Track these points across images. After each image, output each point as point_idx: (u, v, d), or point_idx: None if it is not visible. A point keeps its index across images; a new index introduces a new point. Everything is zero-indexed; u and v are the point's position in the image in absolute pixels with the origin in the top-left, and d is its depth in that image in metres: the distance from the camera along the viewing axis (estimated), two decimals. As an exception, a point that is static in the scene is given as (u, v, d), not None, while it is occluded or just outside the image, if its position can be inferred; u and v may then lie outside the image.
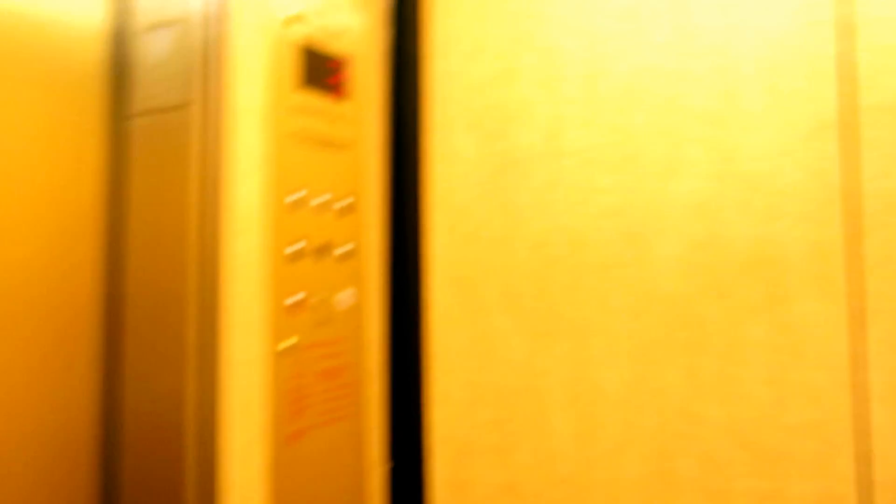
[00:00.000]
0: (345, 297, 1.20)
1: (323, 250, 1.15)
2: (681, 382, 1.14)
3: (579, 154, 1.23)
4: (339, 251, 1.19)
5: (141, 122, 1.03)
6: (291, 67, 1.11)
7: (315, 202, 1.14)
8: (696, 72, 1.16)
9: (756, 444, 1.08)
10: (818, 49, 1.08)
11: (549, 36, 1.28)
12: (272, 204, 1.06)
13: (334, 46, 1.21)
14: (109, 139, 1.05)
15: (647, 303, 1.16)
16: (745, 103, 1.12)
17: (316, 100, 1.15)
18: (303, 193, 1.11)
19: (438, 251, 1.34)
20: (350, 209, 1.22)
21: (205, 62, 0.99)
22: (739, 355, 1.10)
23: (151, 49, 1.03)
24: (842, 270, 1.04)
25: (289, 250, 1.09)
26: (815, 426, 1.05)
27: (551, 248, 1.25)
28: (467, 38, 1.35)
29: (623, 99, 1.21)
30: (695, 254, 1.13)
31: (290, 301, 1.08)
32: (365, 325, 1.26)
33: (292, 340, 1.08)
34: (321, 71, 1.17)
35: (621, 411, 1.18)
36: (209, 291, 0.98)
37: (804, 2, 1.09)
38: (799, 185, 1.07)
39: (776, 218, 1.08)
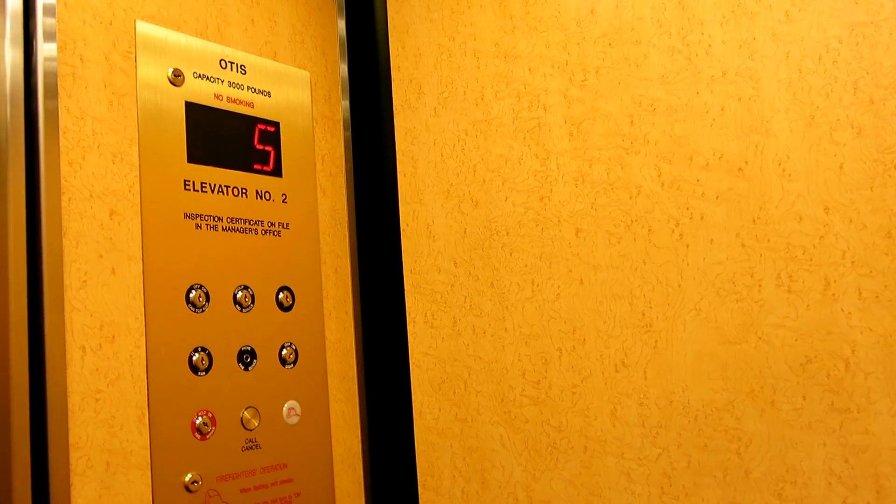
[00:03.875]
0: (287, 412, 0.98)
1: (245, 356, 0.94)
2: (723, 521, 0.84)
3: (573, 219, 0.97)
4: (271, 356, 0.97)
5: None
6: (179, 135, 0.90)
7: (224, 298, 0.93)
8: (709, 106, 0.87)
9: None
10: (872, 63, 0.78)
11: (526, 75, 1.02)
12: (152, 304, 0.85)
13: (259, 109, 1.00)
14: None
15: (668, 415, 0.88)
16: (776, 145, 0.83)
17: (224, 174, 0.94)
18: (202, 288, 0.90)
19: (417, 346, 1.10)
20: (287, 303, 1.00)
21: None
22: (794, 489, 0.79)
23: None
24: (934, 371, 0.73)
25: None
26: None
27: (546, 340, 0.98)
28: (433, 87, 1.11)
29: (620, 145, 0.93)
30: (726, 349, 0.84)
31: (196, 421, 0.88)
32: (318, 444, 1.03)
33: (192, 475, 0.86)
34: (236, 139, 0.97)
35: (649, 555, 0.89)
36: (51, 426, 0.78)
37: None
38: (860, 252, 0.77)
39: (833, 298, 0.78)
